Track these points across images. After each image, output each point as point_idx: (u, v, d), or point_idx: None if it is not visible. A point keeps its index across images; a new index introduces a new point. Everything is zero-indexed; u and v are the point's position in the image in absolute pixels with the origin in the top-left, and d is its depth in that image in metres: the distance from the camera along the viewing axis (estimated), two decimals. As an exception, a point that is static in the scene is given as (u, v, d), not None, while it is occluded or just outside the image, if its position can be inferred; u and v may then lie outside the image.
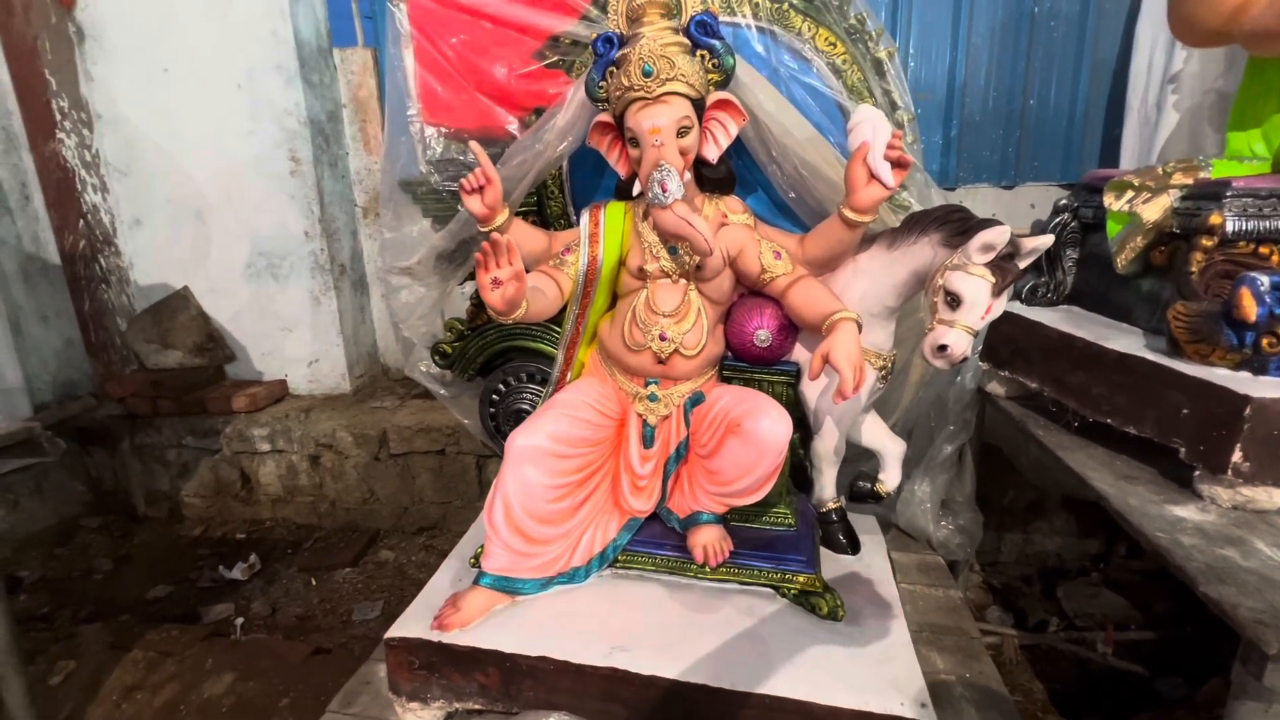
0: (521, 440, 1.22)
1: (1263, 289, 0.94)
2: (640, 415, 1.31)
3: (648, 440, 1.31)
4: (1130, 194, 1.24)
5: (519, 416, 1.65)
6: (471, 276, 1.57)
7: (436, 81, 1.46)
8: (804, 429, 1.40)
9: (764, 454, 1.13)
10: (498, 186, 1.26)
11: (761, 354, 1.30)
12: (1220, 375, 1.01)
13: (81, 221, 2.61)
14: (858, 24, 1.32)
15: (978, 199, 2.54)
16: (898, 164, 1.13)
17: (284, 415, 2.63)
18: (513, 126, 1.45)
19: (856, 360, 1.07)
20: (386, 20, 1.44)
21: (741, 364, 1.35)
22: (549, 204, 1.53)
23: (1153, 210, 1.19)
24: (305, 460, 2.62)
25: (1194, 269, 1.07)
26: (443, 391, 1.81)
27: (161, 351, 2.72)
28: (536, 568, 1.24)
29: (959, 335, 1.09)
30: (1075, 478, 1.17)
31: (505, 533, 1.21)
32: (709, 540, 1.25)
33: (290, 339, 2.78)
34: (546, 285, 1.25)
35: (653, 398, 1.30)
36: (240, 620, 2.07)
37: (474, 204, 1.27)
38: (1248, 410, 0.92)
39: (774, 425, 1.13)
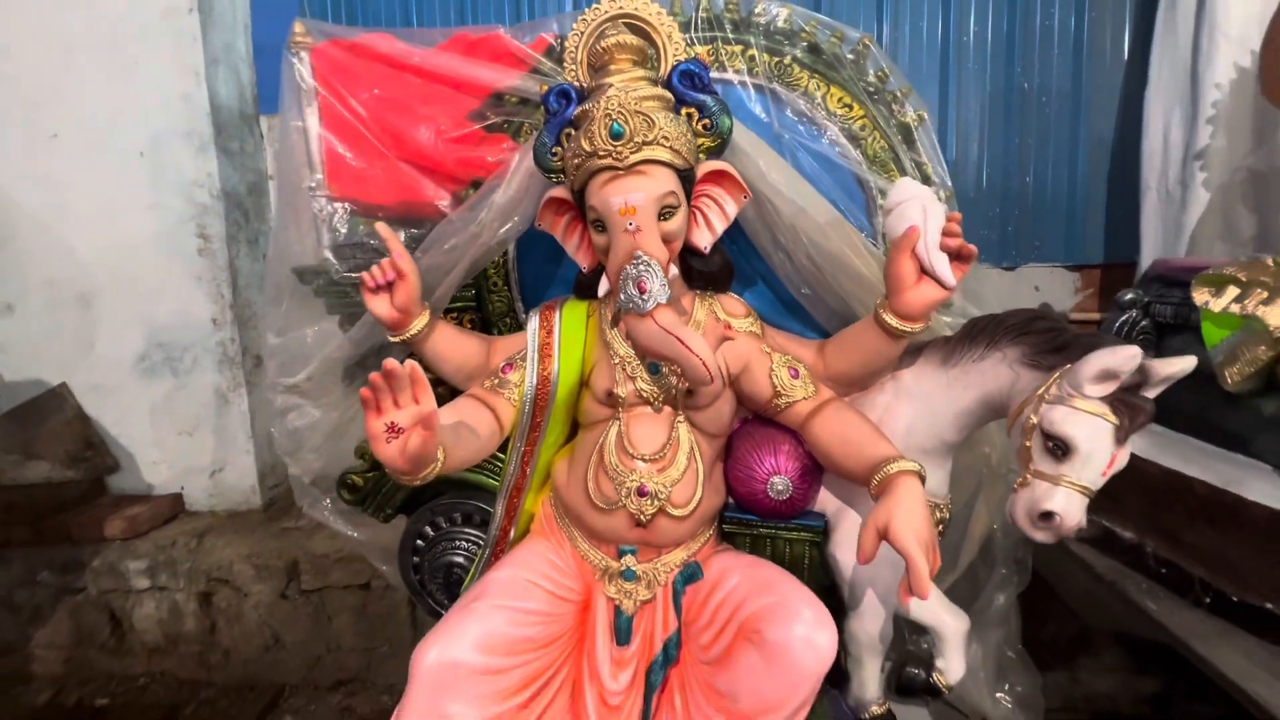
0: (435, 655, 0.82)
1: None
2: (611, 600, 0.93)
3: (622, 636, 0.92)
4: (1236, 291, 0.97)
5: (450, 571, 1.26)
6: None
7: (345, 147, 1.14)
8: (834, 600, 1.03)
9: (798, 683, 0.76)
10: (412, 281, 0.93)
11: (777, 507, 0.95)
12: None
13: (-67, 308, 2.17)
14: (878, 82, 1.06)
15: (977, 281, 2.31)
16: (959, 256, 0.83)
17: (170, 542, 2.14)
18: (443, 203, 1.13)
19: (930, 538, 0.72)
20: (283, 70, 1.13)
21: (749, 516, 0.99)
22: (490, 299, 1.19)
23: (1278, 315, 0.90)
24: (193, 599, 2.11)
25: (1374, 399, 0.77)
26: (353, 533, 1.40)
27: (23, 464, 2.22)
28: None
29: (1070, 497, 0.76)
30: (1230, 685, 0.82)
31: (404, 810, 0.78)
32: (716, 799, 0.84)
33: (189, 444, 2.32)
34: (479, 419, 0.89)
35: (629, 574, 0.92)
36: None
37: (379, 306, 0.93)
38: None
39: (811, 636, 0.76)
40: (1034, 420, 0.78)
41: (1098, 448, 0.74)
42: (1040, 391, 0.79)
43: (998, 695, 1.38)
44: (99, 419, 2.32)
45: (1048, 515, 0.76)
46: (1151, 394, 0.76)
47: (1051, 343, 0.80)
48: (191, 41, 2.11)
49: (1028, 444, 0.79)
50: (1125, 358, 0.71)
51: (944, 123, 2.29)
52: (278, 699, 2.05)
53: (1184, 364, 0.75)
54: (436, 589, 1.29)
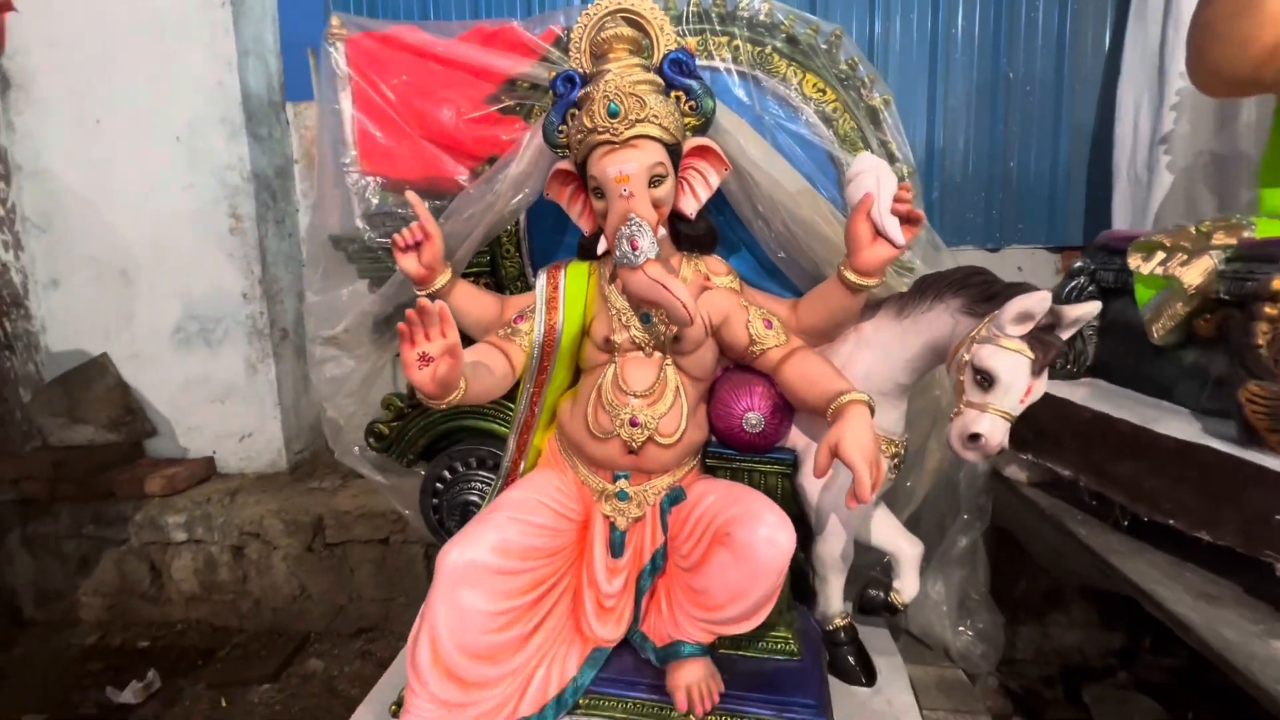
0: (457, 555, 0.97)
1: (1360, 368, 0.77)
2: (607, 518, 1.07)
3: (616, 548, 1.06)
4: (1162, 255, 1.10)
5: (466, 510, 1.40)
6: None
7: (376, 127, 1.29)
8: (804, 528, 1.17)
9: (760, 574, 0.90)
10: (437, 243, 1.07)
11: (752, 440, 1.09)
12: (1318, 472, 0.83)
13: (-14, 282, 2.34)
14: (849, 69, 1.19)
15: (962, 262, 2.43)
16: (907, 219, 0.96)
17: (205, 499, 2.31)
18: (462, 177, 1.27)
19: (873, 454, 0.86)
20: (321, 59, 1.28)
21: (728, 451, 1.13)
22: (504, 264, 1.34)
23: (1194, 274, 1.04)
24: (227, 552, 2.28)
25: (1260, 341, 0.90)
26: (380, 478, 1.55)
27: (69, 427, 2.40)
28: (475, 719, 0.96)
29: (994, 421, 0.89)
30: (1139, 591, 0.95)
31: (433, 680, 0.94)
32: (694, 680, 0.99)
33: (221, 411, 2.49)
34: (494, 360, 1.03)
35: (622, 495, 1.06)
36: (123, 760, 1.69)
37: (409, 263, 1.07)
38: (1368, 520, 0.74)
39: (772, 535, 0.90)
40: (966, 358, 0.92)
41: (1017, 379, 0.88)
42: (972, 334, 0.92)
43: (960, 629, 1.53)
44: (137, 387, 2.48)
45: (975, 437, 0.90)
46: (1063, 334, 0.90)
47: (984, 293, 0.94)
48: (225, 33, 2.26)
49: (961, 378, 0.93)
50: (1038, 300, 0.85)
51: (933, 110, 2.40)
52: (304, 644, 2.22)
53: (1088, 309, 0.88)
54: (454, 525, 1.44)
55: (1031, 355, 0.87)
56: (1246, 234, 1.03)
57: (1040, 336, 0.87)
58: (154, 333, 2.44)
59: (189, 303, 2.42)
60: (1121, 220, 1.99)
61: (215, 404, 2.48)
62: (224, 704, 1.94)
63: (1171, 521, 0.96)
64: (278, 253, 2.47)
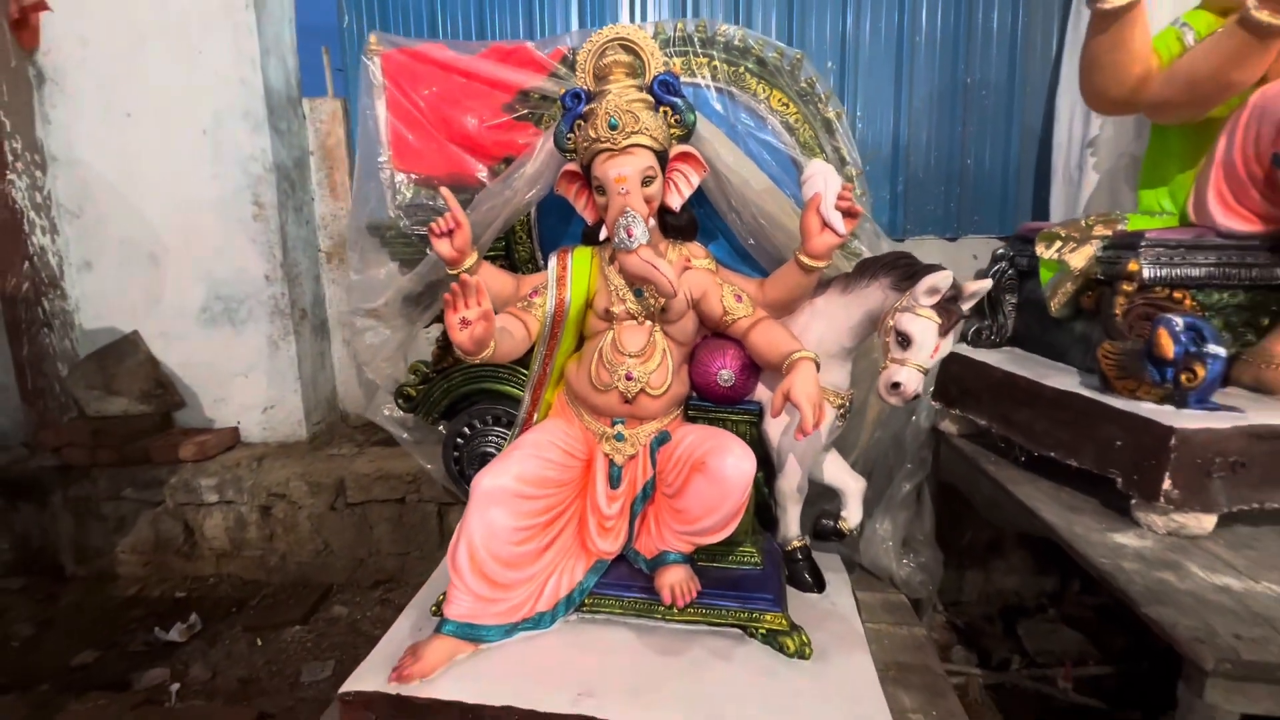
0: (488, 481, 1.21)
1: (1178, 329, 1.03)
2: (607, 455, 1.32)
3: (614, 480, 1.31)
4: (1058, 244, 1.35)
5: (484, 460, 1.63)
6: (437, 319, 1.58)
7: (408, 130, 1.50)
8: (768, 468, 1.43)
9: (729, 491, 1.15)
10: (467, 231, 1.29)
11: (725, 393, 1.33)
12: (1147, 409, 1.08)
13: (26, 264, 2.52)
14: (808, 87, 1.42)
15: (924, 250, 2.69)
16: (848, 213, 1.21)
17: (235, 464, 2.52)
18: (482, 174, 1.50)
19: (816, 398, 1.11)
20: (360, 72, 1.49)
21: (706, 403, 1.38)
22: (517, 248, 1.57)
23: (1078, 259, 1.29)
24: (255, 511, 2.50)
25: (1118, 311, 1.16)
26: (405, 436, 1.79)
27: (105, 398, 2.60)
28: (501, 613, 1.21)
29: (910, 373, 1.14)
30: (1025, 510, 1.22)
31: (469, 577, 1.18)
32: (676, 580, 1.24)
33: (245, 385, 2.69)
34: (514, 326, 1.27)
35: (619, 437, 1.31)
36: (176, 686, 1.92)
37: (444, 247, 1.29)
38: (1173, 441, 1.00)
39: (738, 462, 1.15)
40: (891, 323, 1.17)
41: (927, 338, 1.12)
42: (896, 305, 1.17)
43: (903, 561, 1.80)
44: (166, 362, 2.68)
45: (896, 385, 1.15)
46: (965, 306, 1.15)
47: (906, 273, 1.18)
48: (248, 33, 2.43)
49: (887, 340, 1.18)
50: (943, 278, 1.10)
51: (898, 112, 2.63)
52: (328, 594, 2.45)
53: (981, 285, 1.13)
54: (474, 473, 1.68)
55: (939, 320, 1.12)
56: (1120, 227, 1.28)
57: (945, 306, 1.12)
58: (181, 312, 2.63)
59: (214, 284, 2.61)
60: (1058, 214, 2.25)
61: (239, 378, 2.68)
62: (259, 643, 2.17)
63: (1052, 454, 1.22)
64: (297, 238, 2.67)
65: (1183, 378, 1.04)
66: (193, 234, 2.57)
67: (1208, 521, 1.03)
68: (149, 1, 2.42)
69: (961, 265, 2.71)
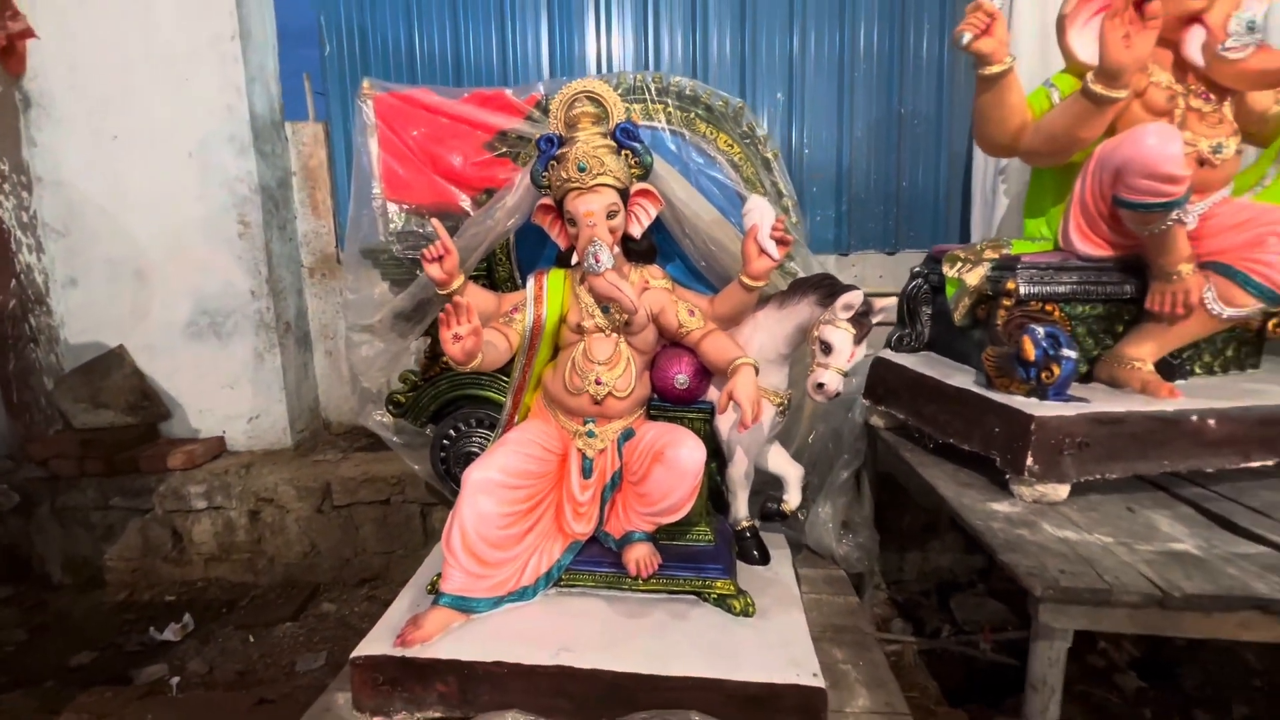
0: (477, 474, 1.40)
1: (1039, 336, 1.28)
2: (580, 450, 1.52)
3: (587, 471, 1.51)
4: (959, 264, 1.61)
5: (469, 459, 1.81)
6: (426, 333, 1.76)
7: (398, 165, 1.69)
8: (720, 458, 1.65)
9: (684, 476, 1.36)
10: (455, 256, 1.48)
11: (681, 395, 1.55)
12: (1017, 401, 1.34)
13: (14, 281, 2.60)
14: (749, 130, 1.66)
15: (867, 263, 2.97)
16: (781, 241, 1.44)
17: (223, 471, 2.64)
18: (465, 204, 1.69)
19: (754, 397, 1.33)
20: (354, 113, 1.67)
21: (665, 404, 1.59)
22: (498, 269, 1.76)
23: (973, 277, 1.55)
24: (244, 516, 2.62)
25: (999, 322, 1.41)
26: (395, 439, 1.96)
27: (91, 411, 2.68)
28: (489, 588, 1.40)
29: (832, 375, 1.38)
30: (929, 488, 1.46)
31: (462, 557, 1.37)
32: (640, 555, 1.45)
33: (231, 395, 2.80)
34: (498, 339, 1.46)
35: (590, 434, 1.51)
36: (176, 679, 2.04)
37: (434, 271, 1.48)
38: (1033, 426, 1.25)
39: (691, 452, 1.36)
40: (816, 334, 1.40)
41: (845, 347, 1.36)
42: (820, 318, 1.40)
43: (843, 540, 2.04)
44: (152, 375, 2.77)
45: (820, 385, 1.38)
46: (876, 319, 1.39)
47: (828, 291, 1.42)
48: (234, 62, 2.57)
49: (814, 347, 1.41)
50: (856, 296, 1.33)
51: (841, 140, 2.90)
52: (315, 592, 2.58)
53: (888, 302, 1.37)
54: (459, 472, 1.86)
55: (853, 331, 1.36)
56: (1005, 251, 1.54)
57: (859, 319, 1.36)
58: (167, 326, 2.74)
59: (201, 299, 2.72)
60: (977, 232, 2.53)
61: (225, 389, 2.80)
62: (252, 640, 2.30)
63: (952, 440, 1.47)
64: (281, 255, 2.80)
65: (1043, 375, 1.29)
66: (179, 252, 2.68)
67: (1062, 490, 1.28)
68: (138, 33, 2.54)
69: (900, 276, 2.96)
